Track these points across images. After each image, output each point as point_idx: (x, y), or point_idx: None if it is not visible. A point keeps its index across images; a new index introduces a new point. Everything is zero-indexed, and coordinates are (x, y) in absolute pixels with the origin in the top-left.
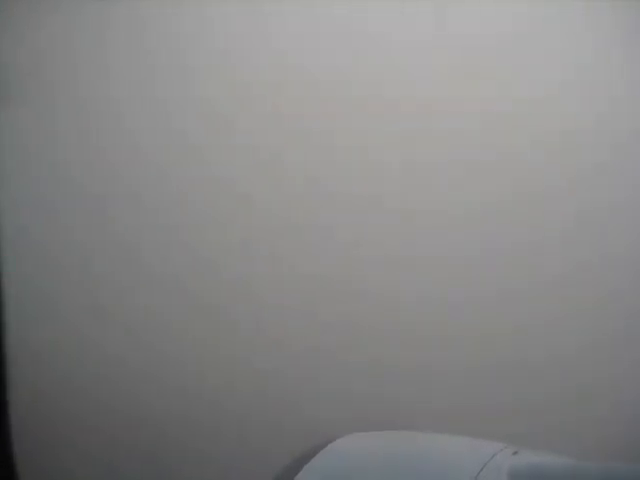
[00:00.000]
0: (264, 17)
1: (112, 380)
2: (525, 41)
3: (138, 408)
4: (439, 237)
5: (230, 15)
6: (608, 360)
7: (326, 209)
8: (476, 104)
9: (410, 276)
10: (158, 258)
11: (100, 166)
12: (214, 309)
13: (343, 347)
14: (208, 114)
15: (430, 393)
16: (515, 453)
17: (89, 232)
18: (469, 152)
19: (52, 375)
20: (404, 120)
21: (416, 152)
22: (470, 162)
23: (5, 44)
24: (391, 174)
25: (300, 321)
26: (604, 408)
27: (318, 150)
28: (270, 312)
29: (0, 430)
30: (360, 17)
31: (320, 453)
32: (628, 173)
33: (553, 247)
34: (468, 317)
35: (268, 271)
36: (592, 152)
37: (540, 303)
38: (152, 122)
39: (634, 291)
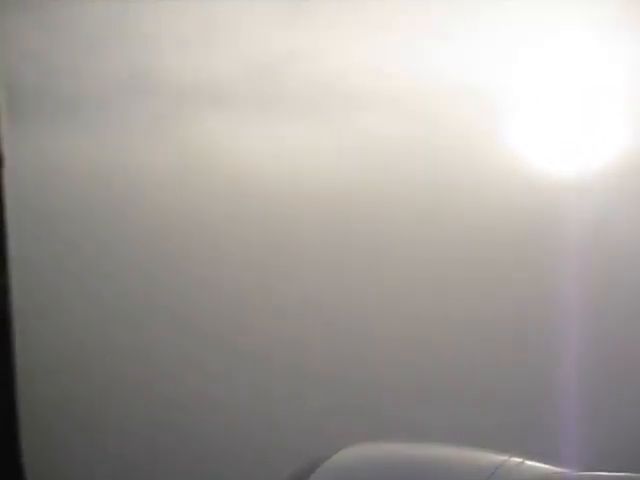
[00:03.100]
0: None
1: (119, 382)
2: None
3: (144, 410)
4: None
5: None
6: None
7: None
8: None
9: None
10: (161, 265)
11: (107, 178)
12: (216, 320)
13: (342, 361)
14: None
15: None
16: (521, 463)
17: (96, 236)
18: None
19: (60, 377)
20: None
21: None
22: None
23: (14, 63)
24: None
25: (308, 342)
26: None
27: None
28: (280, 330)
29: (9, 430)
30: None
31: (326, 463)
32: None
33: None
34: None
35: (270, 297)
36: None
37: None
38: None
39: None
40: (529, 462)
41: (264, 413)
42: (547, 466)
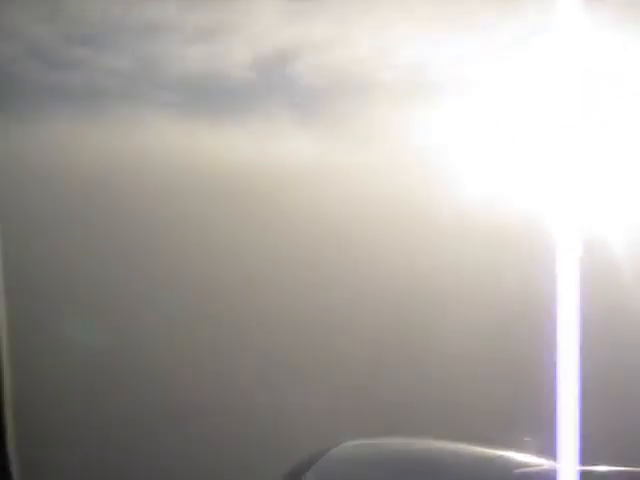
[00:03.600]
0: None
1: (109, 383)
2: None
3: (136, 412)
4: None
5: None
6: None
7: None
8: None
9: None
10: (158, 268)
11: (97, 175)
12: (215, 322)
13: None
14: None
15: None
16: (516, 457)
17: (86, 237)
18: None
19: (49, 377)
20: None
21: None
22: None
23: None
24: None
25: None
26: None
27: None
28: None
29: None
30: None
31: (325, 457)
32: None
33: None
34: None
35: (274, 304)
36: None
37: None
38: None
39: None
40: (525, 455)
41: (262, 411)
42: (543, 460)
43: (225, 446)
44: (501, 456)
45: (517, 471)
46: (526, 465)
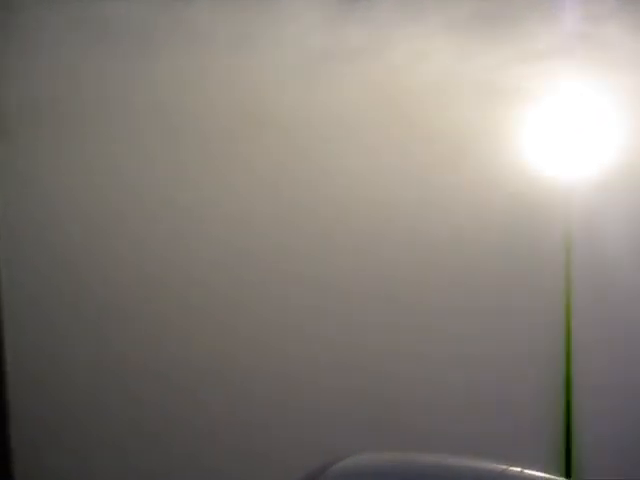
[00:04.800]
0: None
1: (112, 383)
2: None
3: (141, 413)
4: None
5: None
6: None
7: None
8: None
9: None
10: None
11: (100, 191)
12: (215, 329)
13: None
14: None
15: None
16: (520, 472)
17: (85, 241)
18: None
19: (52, 376)
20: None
21: None
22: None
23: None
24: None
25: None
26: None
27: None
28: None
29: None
30: None
31: (330, 471)
32: None
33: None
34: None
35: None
36: None
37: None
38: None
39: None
40: (528, 471)
41: (270, 422)
42: (546, 475)
43: (232, 457)
44: (513, 471)
45: None
46: (533, 479)
